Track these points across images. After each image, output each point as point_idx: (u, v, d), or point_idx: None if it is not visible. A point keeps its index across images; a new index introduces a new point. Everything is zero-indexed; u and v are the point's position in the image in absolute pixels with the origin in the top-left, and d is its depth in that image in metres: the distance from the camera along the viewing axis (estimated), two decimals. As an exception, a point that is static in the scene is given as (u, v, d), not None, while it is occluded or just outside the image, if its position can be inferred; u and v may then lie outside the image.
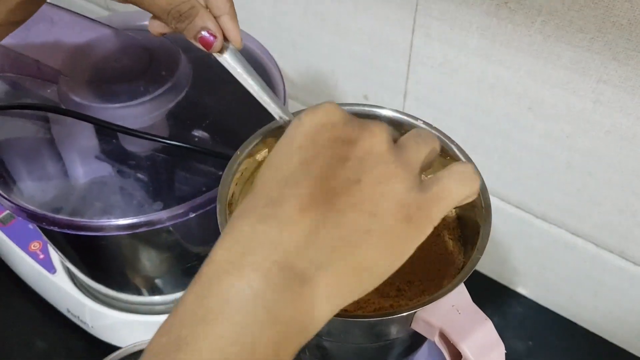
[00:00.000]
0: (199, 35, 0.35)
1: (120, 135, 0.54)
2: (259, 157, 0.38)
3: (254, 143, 0.37)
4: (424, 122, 0.39)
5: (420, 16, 0.56)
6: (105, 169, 0.54)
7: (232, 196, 0.36)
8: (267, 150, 0.38)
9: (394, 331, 0.34)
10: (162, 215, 0.49)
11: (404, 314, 0.31)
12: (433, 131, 0.39)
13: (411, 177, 0.28)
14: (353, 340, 0.34)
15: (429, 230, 0.28)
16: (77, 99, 0.51)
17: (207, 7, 0.36)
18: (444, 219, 0.39)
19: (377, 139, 0.28)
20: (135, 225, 0.48)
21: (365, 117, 0.40)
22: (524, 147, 0.57)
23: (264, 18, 0.69)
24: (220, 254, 0.26)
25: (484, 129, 0.59)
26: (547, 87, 0.52)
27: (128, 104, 0.51)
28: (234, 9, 0.37)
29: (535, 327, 0.67)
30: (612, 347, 0.65)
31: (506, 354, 0.64)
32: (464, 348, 0.31)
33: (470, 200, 0.30)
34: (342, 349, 0.35)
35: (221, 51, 0.37)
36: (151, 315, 0.60)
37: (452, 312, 0.32)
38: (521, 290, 0.70)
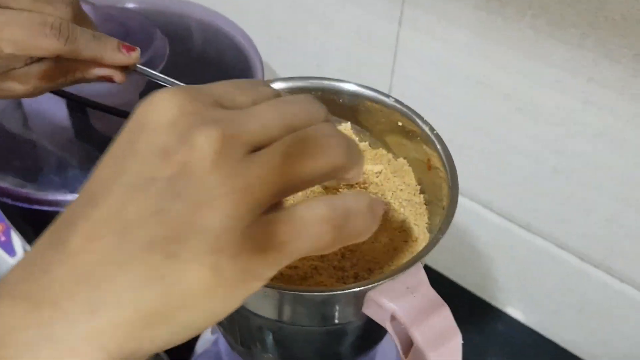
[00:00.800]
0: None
1: (88, 111, 0.52)
2: None
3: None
4: (395, 100, 0.36)
5: (408, 8, 0.54)
6: (69, 145, 0.51)
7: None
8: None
9: (344, 314, 0.31)
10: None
11: (353, 289, 0.28)
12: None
13: (239, 210, 0.21)
14: (300, 321, 0.31)
15: (249, 291, 0.22)
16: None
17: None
18: (410, 204, 0.36)
19: (198, 151, 0.21)
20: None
21: (327, 91, 0.37)
22: (511, 150, 0.55)
23: (250, 11, 0.67)
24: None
25: (470, 130, 0.56)
26: (537, 87, 0.50)
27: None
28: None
29: (516, 347, 0.64)
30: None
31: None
32: (416, 333, 0.28)
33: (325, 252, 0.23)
34: (290, 333, 0.32)
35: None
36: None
37: (407, 295, 0.29)
38: (503, 307, 0.67)
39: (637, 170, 0.49)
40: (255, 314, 0.32)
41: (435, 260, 0.68)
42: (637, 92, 0.45)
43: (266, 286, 0.23)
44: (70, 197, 0.46)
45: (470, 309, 0.67)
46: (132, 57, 0.40)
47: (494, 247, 0.63)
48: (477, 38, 0.51)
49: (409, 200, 0.36)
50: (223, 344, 0.43)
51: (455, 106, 0.56)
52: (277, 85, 0.37)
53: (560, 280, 0.59)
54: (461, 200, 0.62)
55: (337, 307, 0.30)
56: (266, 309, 0.31)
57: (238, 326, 0.35)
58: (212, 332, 0.47)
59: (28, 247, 0.59)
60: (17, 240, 0.62)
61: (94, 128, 0.53)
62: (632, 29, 0.43)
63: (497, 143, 0.55)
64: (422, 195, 0.37)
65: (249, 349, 0.37)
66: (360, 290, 0.28)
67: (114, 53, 0.39)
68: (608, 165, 0.50)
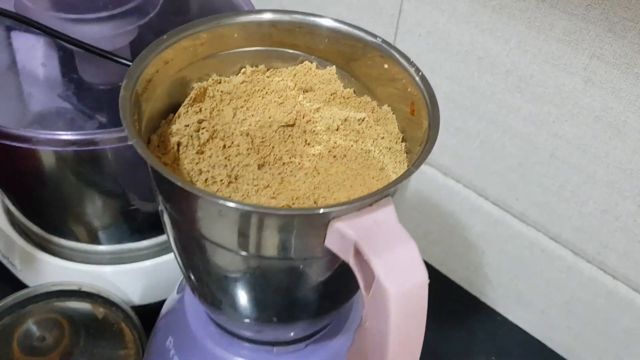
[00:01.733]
0: None
1: (76, 58, 0.50)
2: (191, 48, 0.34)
3: (186, 33, 0.34)
4: (383, 40, 0.35)
5: (413, -22, 0.52)
6: (51, 87, 0.50)
7: (149, 82, 0.32)
8: (201, 44, 0.34)
9: (307, 245, 0.28)
10: (98, 136, 0.45)
11: (319, 210, 0.26)
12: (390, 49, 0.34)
13: None
14: (262, 250, 0.29)
15: None
16: (29, 4, 0.47)
17: None
18: (390, 152, 0.34)
19: None
20: (68, 141, 0.44)
21: (304, 27, 0.36)
22: (507, 133, 0.53)
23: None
24: None
25: (468, 111, 0.54)
26: (538, 62, 0.48)
27: (84, 16, 0.47)
28: None
29: (502, 344, 0.62)
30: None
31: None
32: (376, 264, 0.26)
33: None
34: (252, 269, 0.30)
35: None
36: (84, 264, 0.55)
37: (373, 227, 0.27)
38: (492, 304, 0.64)
39: (635, 157, 0.47)
40: (218, 245, 0.30)
41: (426, 252, 0.66)
42: (641, 72, 0.43)
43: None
44: (43, 134, 0.44)
45: (458, 305, 0.65)
46: None
47: (486, 239, 0.60)
48: (479, 8, 0.49)
49: (389, 148, 0.35)
50: (189, 301, 0.41)
51: (455, 84, 0.54)
52: (266, 16, 0.36)
53: (552, 276, 0.57)
54: (455, 187, 0.60)
55: (300, 233, 0.28)
56: (226, 236, 0.29)
57: (204, 272, 0.33)
58: (178, 292, 0.45)
59: (6, 201, 0.57)
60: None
61: (80, 77, 0.52)
62: (638, 1, 0.41)
63: (495, 126, 0.53)
64: (403, 144, 0.35)
65: (214, 299, 0.35)
66: (325, 212, 0.26)
67: None
68: (605, 152, 0.47)
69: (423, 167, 0.60)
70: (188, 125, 0.34)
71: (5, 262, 0.59)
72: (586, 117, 0.47)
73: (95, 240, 0.56)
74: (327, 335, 0.38)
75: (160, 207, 0.32)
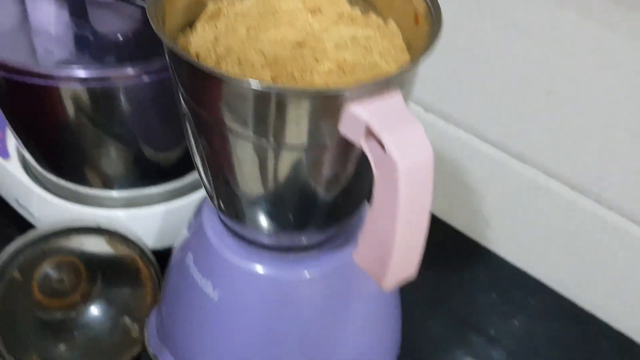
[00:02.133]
0: None
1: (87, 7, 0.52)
2: None
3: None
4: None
5: None
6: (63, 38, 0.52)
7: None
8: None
9: (322, 130, 0.31)
10: (110, 73, 0.47)
11: (334, 92, 0.28)
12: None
13: None
14: (277, 136, 0.31)
15: None
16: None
17: None
18: (396, 62, 0.36)
19: None
20: (82, 79, 0.47)
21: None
22: (506, 73, 0.55)
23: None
24: None
25: (467, 54, 0.56)
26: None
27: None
28: None
29: (502, 283, 0.64)
30: (577, 310, 0.61)
31: (468, 305, 0.61)
32: (387, 140, 0.28)
33: None
34: (268, 157, 0.32)
35: None
36: (99, 208, 0.58)
37: (383, 109, 0.29)
38: (492, 247, 0.66)
39: (629, 91, 0.49)
40: (238, 134, 0.32)
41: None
42: (634, 1, 0.45)
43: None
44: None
45: (459, 251, 0.67)
46: None
47: (486, 183, 0.63)
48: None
49: (396, 60, 0.37)
50: (207, 218, 0.43)
51: (453, 31, 0.56)
52: None
53: (550, 214, 0.59)
54: (455, 132, 0.62)
55: (316, 116, 0.30)
56: (246, 121, 0.31)
57: (226, 170, 0.35)
58: (195, 216, 0.46)
59: (23, 150, 0.59)
60: (11, 142, 0.62)
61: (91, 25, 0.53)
62: None
63: (493, 70, 0.55)
64: (409, 56, 0.37)
65: (234, 202, 0.37)
66: (340, 92, 0.28)
67: None
68: (601, 86, 0.50)
69: (424, 114, 0.62)
70: (205, 39, 0.36)
71: (24, 213, 0.61)
72: (581, 51, 0.49)
73: (108, 184, 0.58)
74: (338, 245, 0.40)
75: (183, 110, 0.34)
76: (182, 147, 0.57)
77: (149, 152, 0.56)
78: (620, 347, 0.59)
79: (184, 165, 0.58)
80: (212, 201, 0.39)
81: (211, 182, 0.37)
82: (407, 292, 0.50)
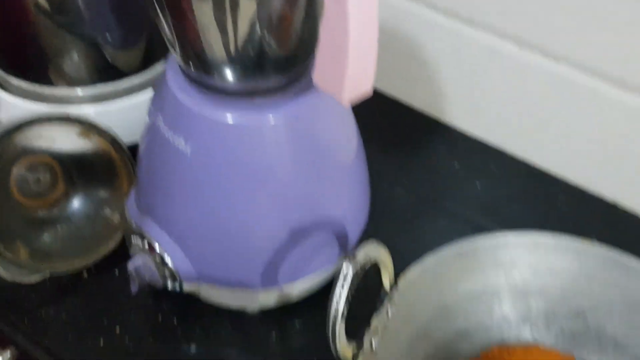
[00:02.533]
0: None
1: None
2: None
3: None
4: None
5: None
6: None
7: None
8: None
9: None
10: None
11: None
12: None
13: None
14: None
15: None
16: None
17: None
18: None
19: None
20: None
21: None
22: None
23: None
24: None
25: None
26: None
27: None
28: None
29: (462, 153, 0.67)
30: (535, 170, 0.65)
31: (433, 174, 0.63)
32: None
33: None
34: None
35: None
36: (66, 105, 0.59)
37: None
38: (450, 120, 0.69)
39: None
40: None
41: (382, 81, 0.70)
42: None
43: None
44: None
45: (418, 129, 0.69)
46: None
47: (440, 55, 0.65)
48: None
49: None
50: (172, 77, 0.44)
51: None
52: None
53: (502, 77, 0.61)
54: (405, 5, 0.63)
55: None
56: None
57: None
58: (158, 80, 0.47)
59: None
60: None
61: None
62: None
63: None
64: None
65: (197, 50, 0.38)
66: None
67: None
68: None
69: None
70: None
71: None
72: None
73: (72, 82, 0.59)
74: (302, 89, 0.42)
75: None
76: (144, 36, 0.58)
77: (110, 44, 0.57)
78: (574, 198, 0.63)
79: (149, 56, 0.59)
80: (177, 57, 0.41)
81: (173, 33, 0.39)
82: (372, 168, 0.52)
